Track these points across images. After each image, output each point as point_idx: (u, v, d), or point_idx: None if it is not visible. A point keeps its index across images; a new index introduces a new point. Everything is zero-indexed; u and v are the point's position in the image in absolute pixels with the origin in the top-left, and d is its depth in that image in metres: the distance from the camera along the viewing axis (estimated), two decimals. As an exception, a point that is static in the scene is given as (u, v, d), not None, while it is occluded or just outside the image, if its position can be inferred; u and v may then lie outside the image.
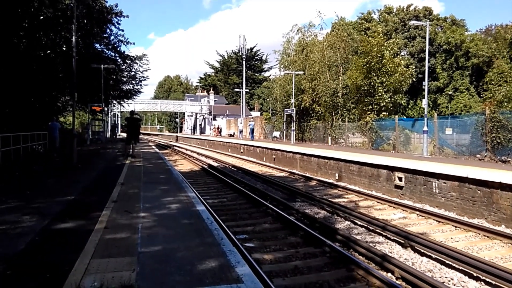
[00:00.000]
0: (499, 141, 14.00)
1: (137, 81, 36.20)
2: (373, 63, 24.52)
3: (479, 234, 8.32)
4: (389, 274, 6.03)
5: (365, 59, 25.06)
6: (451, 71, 34.81)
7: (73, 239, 5.17)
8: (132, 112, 18.93)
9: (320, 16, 53.64)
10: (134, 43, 45.43)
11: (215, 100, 68.50)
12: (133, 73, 34.45)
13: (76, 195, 8.44)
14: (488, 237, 8.09)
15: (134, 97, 41.11)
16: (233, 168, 20.88)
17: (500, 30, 38.71)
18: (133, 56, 32.31)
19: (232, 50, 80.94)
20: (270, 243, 7.68)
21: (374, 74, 24.62)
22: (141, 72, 34.69)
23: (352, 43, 31.87)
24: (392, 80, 24.28)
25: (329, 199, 11.65)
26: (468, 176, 10.01)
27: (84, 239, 5.01)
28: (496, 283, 5.63)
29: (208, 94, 74.32)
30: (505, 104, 17.01)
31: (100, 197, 8.01)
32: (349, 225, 9.20)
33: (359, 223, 9.19)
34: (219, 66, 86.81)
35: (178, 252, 4.56)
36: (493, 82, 25.39)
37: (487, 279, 5.79)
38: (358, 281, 5.83)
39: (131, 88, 37.61)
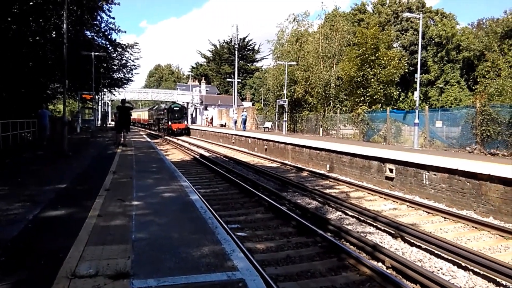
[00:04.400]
0: (488, 134, 14.18)
1: (128, 70, 35.80)
2: (367, 55, 24.56)
3: (468, 225, 8.47)
4: (380, 264, 6.13)
5: (359, 51, 25.08)
6: (442, 64, 35.08)
7: (67, 226, 5.15)
8: (123, 101, 18.77)
9: (322, 7, 53.79)
10: (125, 31, 44.92)
11: (206, 90, 68.06)
12: (124, 61, 34.03)
13: (68, 183, 8.39)
14: (476, 228, 8.24)
15: (125, 85, 40.69)
16: (225, 158, 20.88)
17: (491, 24, 38.94)
18: (124, 44, 31.88)
19: (224, 40, 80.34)
20: (262, 232, 7.73)
21: (368, 66, 24.67)
22: (132, 61, 34.29)
23: (346, 35, 31.86)
24: (386, 72, 24.38)
25: (321, 190, 11.74)
26: (458, 168, 10.15)
27: (78, 227, 5.00)
28: (484, 273, 5.76)
29: (200, 83, 73.79)
30: (496, 97, 17.21)
31: (92, 185, 7.98)
32: (340, 215, 9.29)
33: (350, 213, 9.29)
34: (211, 55, 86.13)
35: (173, 240, 4.58)
36: (486, 76, 25.62)
37: (476, 269, 5.91)
38: (349, 270, 5.91)
39: (122, 76, 37.19)
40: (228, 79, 62.19)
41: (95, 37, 27.59)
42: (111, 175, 9.34)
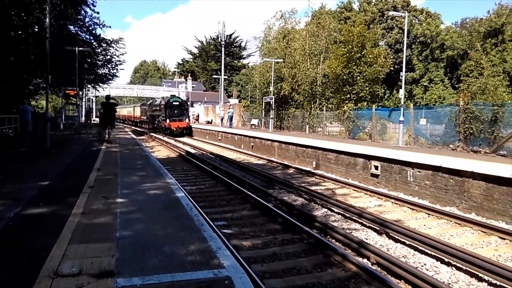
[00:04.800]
0: (471, 131, 14.40)
1: (113, 65, 35.42)
2: (353, 53, 24.70)
3: (451, 221, 8.60)
4: (365, 260, 6.18)
5: (346, 49, 25.21)
6: (427, 62, 35.59)
7: (49, 224, 5.06)
8: (107, 97, 18.52)
9: (309, 4, 53.93)
10: (110, 27, 44.28)
11: (193, 87, 67.74)
12: (109, 57, 33.68)
13: (51, 180, 8.24)
14: (459, 224, 8.38)
15: (110, 81, 40.22)
16: (211, 155, 20.79)
17: (474, 23, 39.59)
18: (109, 40, 31.54)
19: (211, 36, 79.98)
20: (248, 229, 7.73)
21: (354, 64, 24.82)
22: (117, 56, 33.97)
23: (332, 32, 32.02)
24: (372, 70, 24.56)
25: (307, 187, 11.78)
26: (442, 166, 10.30)
27: (61, 225, 4.91)
28: (467, 268, 5.85)
29: (186, 80, 73.44)
30: (478, 96, 17.51)
31: (76, 182, 7.85)
32: (326, 212, 9.34)
33: (336, 210, 9.34)
34: (198, 52, 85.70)
35: (158, 238, 4.54)
36: (470, 75, 26.08)
37: (458, 264, 6.01)
38: (335, 267, 5.95)
39: (107, 72, 36.77)
40: (214, 76, 61.96)
41: (79, 32, 27.23)
42: (95, 172, 9.21)
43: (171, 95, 40.20)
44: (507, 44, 27.36)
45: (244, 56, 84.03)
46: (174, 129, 34.54)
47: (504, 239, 7.40)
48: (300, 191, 11.23)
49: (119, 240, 4.41)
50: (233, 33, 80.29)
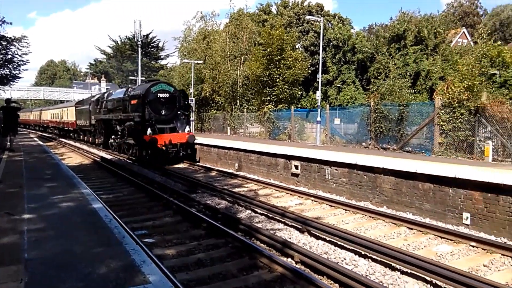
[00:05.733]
0: (381, 130, 15.54)
1: (15, 66, 32.22)
2: (273, 55, 25.26)
3: (366, 215, 9.17)
4: (290, 259, 6.32)
5: (266, 51, 25.71)
6: (340, 65, 37.64)
7: None
8: (8, 100, 16.86)
9: (230, 5, 54.04)
10: (11, 23, 40.04)
11: (107, 88, 64.37)
12: (9, 56, 30.60)
13: None
14: (373, 217, 8.96)
15: (11, 83, 36.58)
16: (128, 161, 19.89)
17: (379, 29, 42.88)
18: (10, 37, 28.72)
19: (126, 36, 76.46)
20: (171, 237, 7.50)
21: (274, 66, 25.41)
22: (20, 56, 30.99)
23: (252, 34, 32.53)
24: (291, 73, 25.35)
25: (230, 189, 11.81)
26: (357, 163, 10.95)
27: (-45, 249, 4.32)
28: (382, 259, 6.26)
29: (100, 81, 69.67)
30: (387, 96, 18.96)
31: (-27, 198, 6.99)
32: (250, 214, 9.41)
33: (259, 211, 9.46)
34: (112, 52, 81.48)
35: (74, 256, 4.18)
36: (378, 77, 28.10)
37: (374, 256, 6.40)
38: (261, 269, 5.99)
39: (8, 73, 33.35)
40: (131, 77, 59.43)
41: (-28, 28, 24.41)
42: (-3, 185, 8.29)
43: (152, 79, 24.56)
44: (409, 49, 29.94)
45: (162, 56, 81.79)
46: (163, 145, 17.56)
47: (412, 229, 8.06)
48: (223, 194, 11.21)
49: (28, 262, 3.99)
50: (150, 33, 77.64)
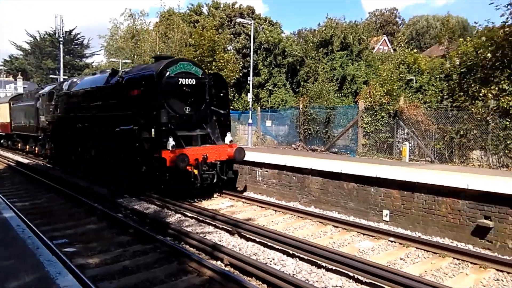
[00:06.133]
0: (310, 132, 16.08)
1: None
2: (204, 57, 25.00)
3: (295, 215, 9.39)
4: (219, 262, 6.26)
5: (197, 52, 25.38)
6: (271, 68, 38.43)
7: None
8: None
9: (161, 4, 52.68)
10: None
11: (24, 87, 59.66)
12: None
13: None
14: (301, 217, 9.20)
15: None
16: (49, 165, 18.56)
17: (308, 34, 44.56)
18: None
19: (46, 31, 71.45)
20: (95, 245, 7.10)
21: (205, 68, 25.15)
22: None
23: (183, 35, 32.00)
24: (223, 75, 25.23)
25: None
26: (286, 164, 11.18)
27: None
28: (309, 258, 6.43)
29: (16, 79, 64.47)
30: (315, 100, 19.61)
31: None
32: (180, 217, 9.22)
33: (189, 214, 9.30)
34: (30, 48, 75.76)
35: (-25, 272, 3.78)
36: (308, 80, 28.99)
37: (301, 255, 6.55)
38: (190, 273, 5.88)
39: None
40: (52, 76, 55.69)
41: None
42: None
43: (163, 56, 14.13)
44: (336, 54, 31.27)
45: (87, 54, 77.69)
46: (194, 169, 10.10)
47: (337, 227, 8.40)
48: (152, 198, 10.86)
49: None
50: (73, 29, 73.37)
